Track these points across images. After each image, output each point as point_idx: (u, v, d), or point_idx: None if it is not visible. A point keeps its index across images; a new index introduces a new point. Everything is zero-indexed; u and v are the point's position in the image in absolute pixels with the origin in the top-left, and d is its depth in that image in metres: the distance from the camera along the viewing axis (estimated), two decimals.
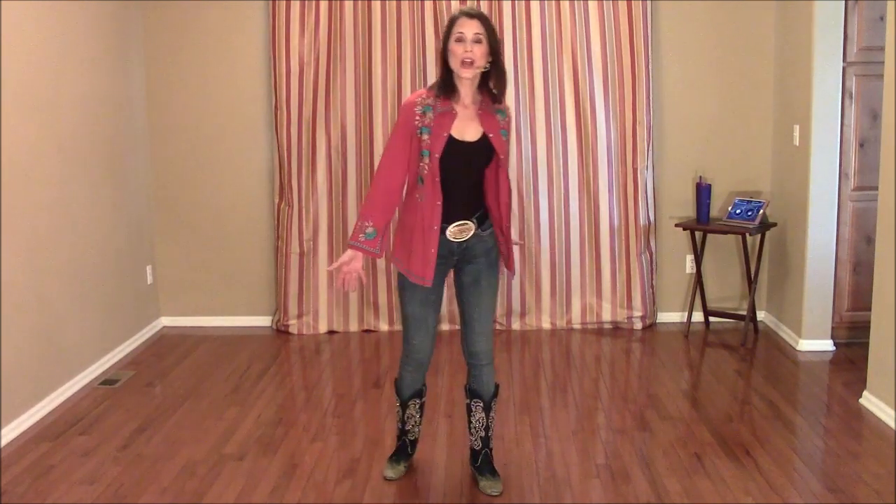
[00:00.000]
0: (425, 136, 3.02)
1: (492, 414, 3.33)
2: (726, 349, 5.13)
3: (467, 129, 3.06)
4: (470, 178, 3.11)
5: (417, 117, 3.04)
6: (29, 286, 4.09)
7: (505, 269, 3.31)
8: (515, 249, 5.50)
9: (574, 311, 5.57)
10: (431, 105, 3.04)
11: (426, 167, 3.03)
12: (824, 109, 4.80)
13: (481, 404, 3.30)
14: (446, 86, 3.04)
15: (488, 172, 3.15)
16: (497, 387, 3.34)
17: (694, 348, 5.18)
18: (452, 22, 3.00)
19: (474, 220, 3.14)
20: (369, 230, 3.08)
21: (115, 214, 5.07)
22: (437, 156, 3.01)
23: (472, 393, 3.32)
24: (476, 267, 3.19)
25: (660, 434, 3.84)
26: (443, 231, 3.09)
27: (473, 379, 3.30)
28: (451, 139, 3.03)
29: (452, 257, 3.17)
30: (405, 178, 3.11)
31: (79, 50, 4.63)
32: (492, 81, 3.07)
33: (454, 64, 2.99)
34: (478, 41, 2.96)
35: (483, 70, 3.03)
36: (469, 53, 2.95)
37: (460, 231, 3.11)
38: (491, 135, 3.07)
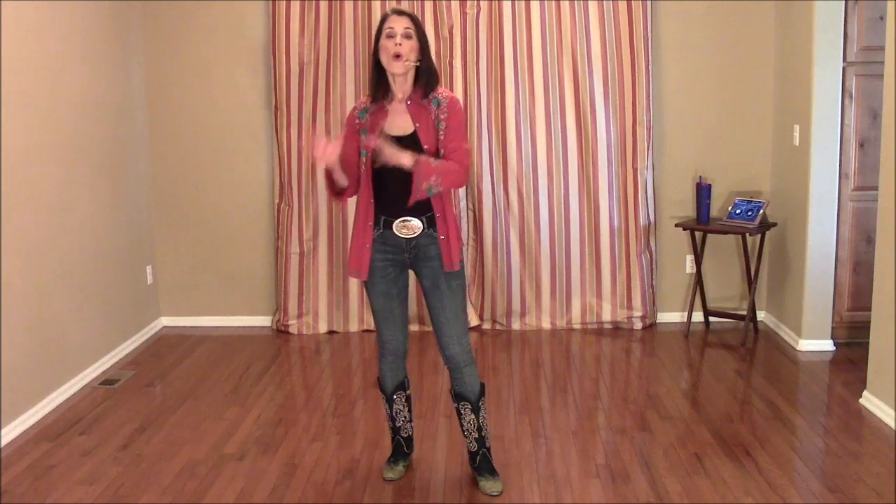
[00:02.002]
0: (363, 137, 3.16)
1: (482, 414, 3.32)
2: (726, 349, 5.13)
3: (398, 123, 3.14)
4: (409, 173, 3.08)
5: (357, 122, 3.19)
6: (29, 286, 4.09)
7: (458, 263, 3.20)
8: (516, 249, 5.51)
9: (574, 311, 5.57)
10: (367, 108, 3.19)
11: (363, 166, 3.16)
12: (824, 109, 4.80)
13: (469, 406, 3.29)
14: (378, 84, 3.15)
15: None
16: (483, 386, 3.32)
17: (694, 348, 5.18)
18: (383, 20, 3.10)
19: (423, 220, 3.16)
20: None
21: (114, 214, 5.07)
22: (370, 153, 3.12)
23: (457, 396, 3.31)
24: (433, 270, 3.20)
25: (660, 434, 3.84)
26: (390, 226, 3.16)
27: (456, 382, 3.30)
28: (383, 135, 3.12)
29: (403, 254, 3.21)
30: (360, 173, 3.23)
31: (79, 50, 4.63)
32: (422, 80, 3.15)
33: (385, 59, 3.08)
34: (407, 36, 3.06)
35: (414, 66, 3.11)
36: (399, 48, 3.04)
37: (404, 227, 3.15)
38: (418, 125, 3.12)
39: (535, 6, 5.31)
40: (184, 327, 5.71)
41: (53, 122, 4.35)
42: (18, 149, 4.00)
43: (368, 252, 3.19)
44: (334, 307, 5.57)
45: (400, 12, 3.09)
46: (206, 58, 5.51)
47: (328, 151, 2.99)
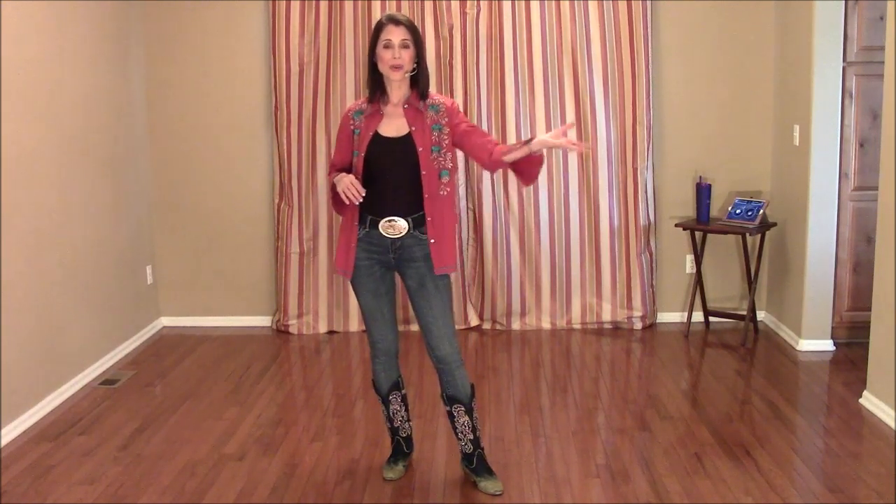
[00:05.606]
0: (356, 138, 3.21)
1: (475, 414, 3.31)
2: (726, 349, 5.13)
3: (392, 126, 3.19)
4: (400, 174, 3.16)
5: (352, 122, 3.23)
6: (29, 286, 4.09)
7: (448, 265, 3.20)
8: (516, 249, 5.50)
9: (574, 311, 5.57)
10: (363, 110, 3.23)
11: (355, 167, 3.20)
12: (824, 109, 4.80)
13: (462, 408, 3.27)
14: (375, 89, 3.20)
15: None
16: (473, 386, 3.31)
17: (694, 348, 5.18)
18: (379, 28, 3.13)
19: (409, 220, 3.17)
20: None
21: (115, 214, 5.07)
22: (362, 154, 3.17)
23: (450, 399, 3.28)
24: (418, 271, 3.20)
25: (660, 434, 3.84)
26: (377, 225, 3.18)
27: (448, 385, 3.27)
28: (377, 136, 3.17)
29: (388, 254, 3.21)
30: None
31: (79, 50, 4.63)
32: (420, 83, 3.19)
33: (384, 68, 3.13)
34: (405, 46, 3.11)
35: (411, 73, 3.16)
36: (398, 60, 3.09)
37: (390, 227, 3.17)
38: (414, 128, 3.15)
39: (535, 6, 5.31)
40: (184, 327, 5.70)
41: (54, 122, 4.35)
42: (19, 149, 4.00)
43: (354, 251, 3.22)
44: (334, 307, 5.57)
45: (397, 21, 3.11)
46: (206, 58, 5.51)
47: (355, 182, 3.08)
